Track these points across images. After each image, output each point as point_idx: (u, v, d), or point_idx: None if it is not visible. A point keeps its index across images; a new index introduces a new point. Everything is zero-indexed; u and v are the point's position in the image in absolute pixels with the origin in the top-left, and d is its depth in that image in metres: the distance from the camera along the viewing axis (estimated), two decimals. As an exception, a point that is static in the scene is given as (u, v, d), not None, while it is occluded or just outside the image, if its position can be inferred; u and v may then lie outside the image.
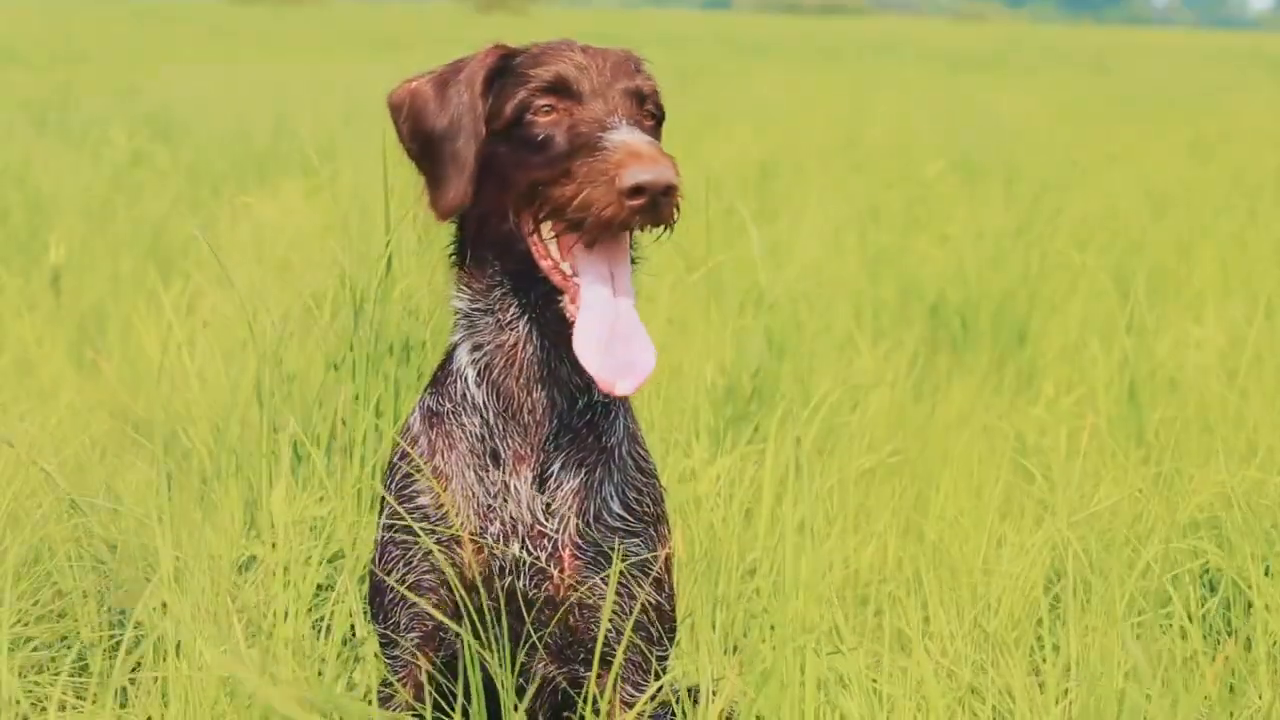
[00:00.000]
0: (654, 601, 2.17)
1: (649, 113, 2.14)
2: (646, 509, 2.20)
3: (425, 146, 2.17)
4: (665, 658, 2.22)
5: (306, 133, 10.57)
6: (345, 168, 8.13)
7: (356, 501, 2.90)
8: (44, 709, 2.60)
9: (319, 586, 2.75)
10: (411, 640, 2.17)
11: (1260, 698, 2.61)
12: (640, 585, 2.15)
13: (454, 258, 2.21)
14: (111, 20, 33.79)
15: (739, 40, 35.08)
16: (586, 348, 2.01)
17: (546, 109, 2.09)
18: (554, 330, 2.11)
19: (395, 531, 2.17)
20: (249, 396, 3.03)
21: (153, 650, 2.46)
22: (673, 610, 2.23)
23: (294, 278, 3.34)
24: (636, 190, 1.94)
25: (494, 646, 2.13)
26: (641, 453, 2.23)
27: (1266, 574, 2.90)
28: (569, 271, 2.06)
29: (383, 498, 2.21)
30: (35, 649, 2.68)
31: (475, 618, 2.12)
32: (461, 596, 2.12)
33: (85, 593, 2.76)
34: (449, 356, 2.21)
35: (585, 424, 2.17)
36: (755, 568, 3.14)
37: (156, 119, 11.16)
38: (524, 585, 2.13)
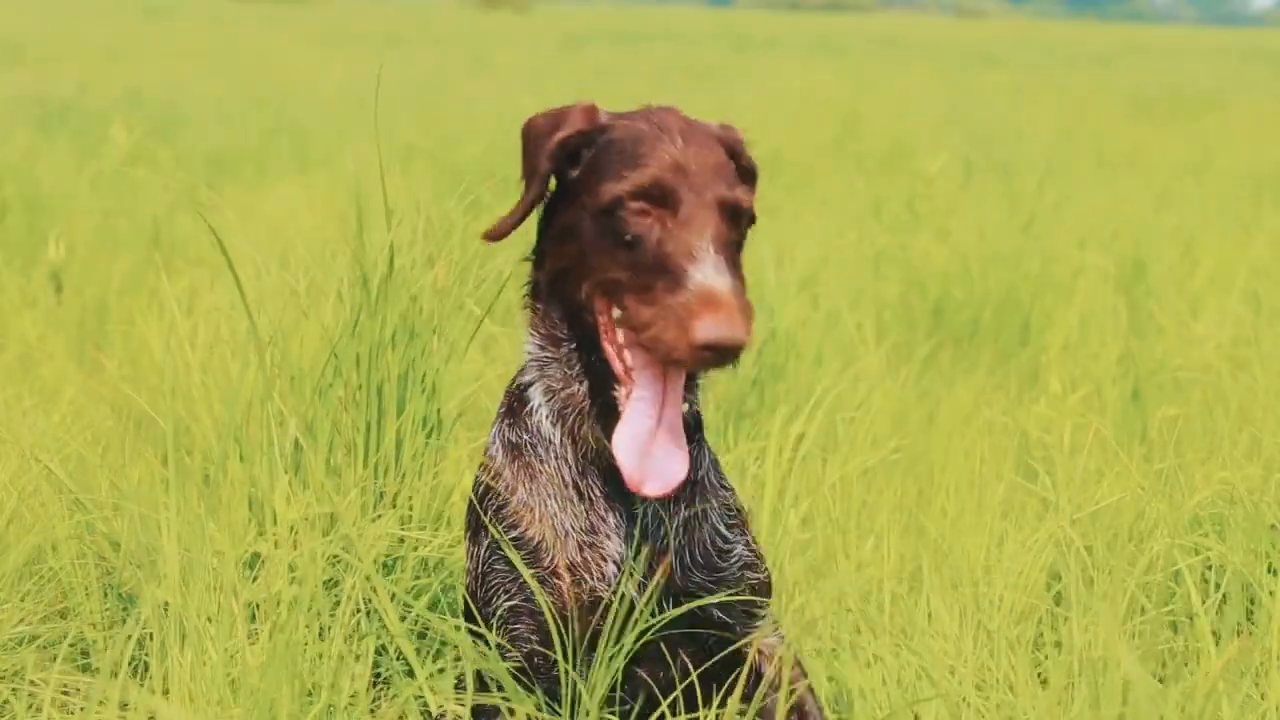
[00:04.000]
0: (762, 593, 2.29)
1: (739, 229, 2.14)
2: (741, 520, 2.31)
3: (523, 176, 2.23)
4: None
5: (307, 130, 10.57)
6: (346, 164, 8.13)
7: (360, 499, 2.90)
8: (39, 709, 2.60)
9: (324, 584, 2.74)
10: (514, 662, 2.23)
11: (1263, 698, 2.61)
12: (759, 601, 2.28)
13: (528, 296, 2.26)
14: (112, 16, 33.78)
15: (741, 36, 35.06)
16: (625, 448, 2.06)
17: (640, 211, 2.10)
18: (610, 393, 2.16)
19: (495, 559, 2.23)
20: (251, 391, 3.03)
21: (159, 648, 2.46)
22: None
23: (295, 272, 3.33)
24: (707, 347, 1.97)
25: (579, 664, 2.20)
26: (721, 473, 2.32)
27: (1270, 571, 2.90)
28: (629, 363, 2.11)
29: (472, 526, 2.27)
30: (39, 647, 2.68)
31: (568, 641, 2.20)
32: (557, 623, 2.19)
33: (88, 590, 2.76)
34: (522, 393, 2.25)
35: None
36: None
37: (157, 115, 11.15)
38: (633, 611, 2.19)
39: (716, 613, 2.24)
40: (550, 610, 2.18)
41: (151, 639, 2.51)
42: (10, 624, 2.68)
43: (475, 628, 2.28)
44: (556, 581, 2.19)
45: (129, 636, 2.24)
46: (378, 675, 2.71)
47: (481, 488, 2.28)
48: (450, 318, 3.04)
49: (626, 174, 2.11)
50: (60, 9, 37.78)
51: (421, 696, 2.45)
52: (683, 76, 18.01)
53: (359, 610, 2.60)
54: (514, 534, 2.22)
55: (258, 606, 2.62)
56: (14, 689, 2.54)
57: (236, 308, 3.20)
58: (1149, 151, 11.42)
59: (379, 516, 2.87)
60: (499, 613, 2.23)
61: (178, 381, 3.41)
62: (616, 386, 2.11)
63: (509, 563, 2.21)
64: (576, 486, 2.21)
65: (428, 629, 2.81)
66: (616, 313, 2.11)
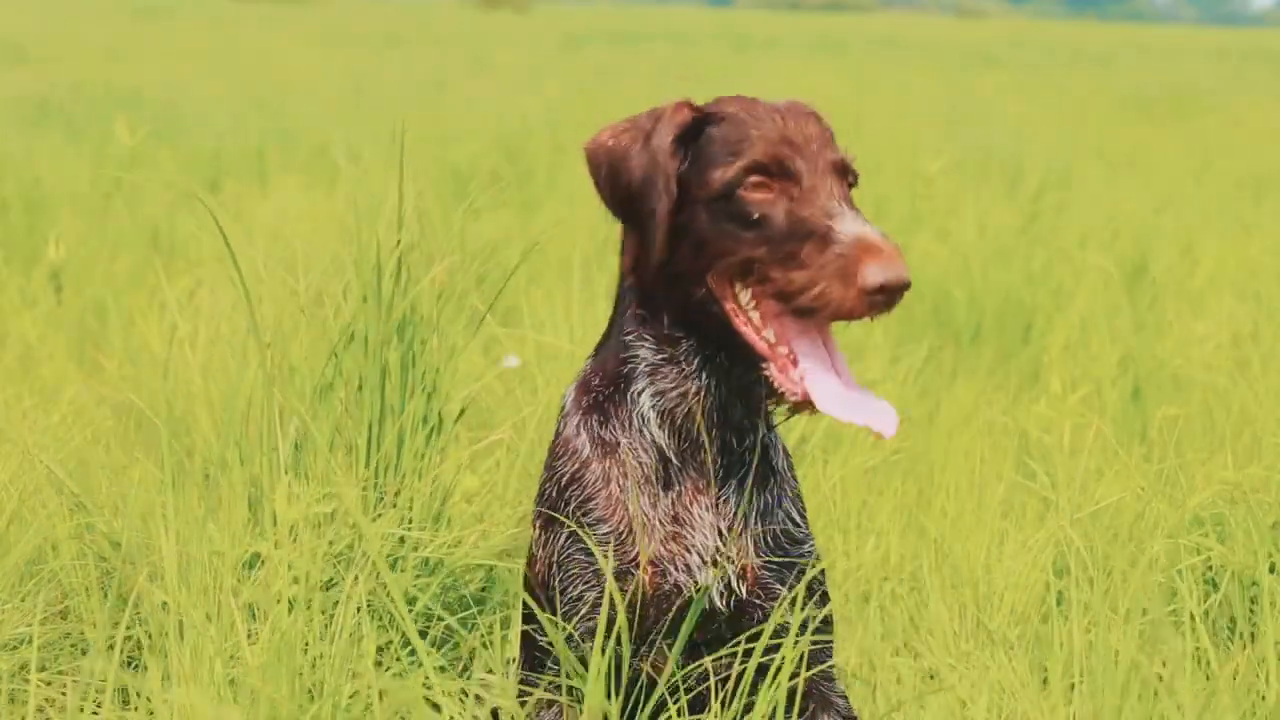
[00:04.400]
0: (826, 604, 2.31)
1: (851, 183, 2.18)
2: (805, 519, 2.32)
3: (624, 201, 2.21)
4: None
5: (307, 130, 10.57)
6: (346, 163, 8.13)
7: (361, 498, 2.90)
8: (39, 709, 2.60)
9: (324, 584, 2.74)
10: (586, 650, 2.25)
11: (1264, 699, 2.60)
12: (819, 587, 2.28)
13: (629, 304, 2.27)
14: (112, 16, 33.79)
15: (741, 37, 35.05)
16: (845, 411, 2.08)
17: (760, 186, 2.12)
18: (735, 381, 2.21)
19: (575, 550, 2.25)
20: (252, 391, 3.03)
21: (156, 647, 2.46)
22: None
23: (295, 271, 3.33)
24: (880, 289, 1.99)
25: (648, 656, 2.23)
26: (792, 464, 2.35)
27: (1271, 571, 2.90)
28: (773, 340, 2.13)
29: (546, 515, 2.29)
30: (39, 648, 2.68)
31: (636, 628, 2.22)
32: (625, 616, 2.21)
33: (88, 590, 2.76)
34: (625, 395, 2.27)
35: (752, 454, 2.26)
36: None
37: (157, 115, 11.15)
38: (714, 604, 2.23)
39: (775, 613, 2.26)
40: (620, 601, 2.20)
41: (151, 638, 2.51)
42: (10, 624, 2.68)
43: (532, 618, 2.30)
44: (638, 574, 2.22)
45: (126, 629, 2.24)
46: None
47: (565, 478, 2.29)
48: (451, 318, 3.04)
49: (737, 155, 2.13)
50: (61, 9, 37.79)
51: (431, 687, 2.45)
52: (683, 76, 18.01)
53: (360, 608, 2.59)
54: (600, 529, 2.24)
55: (258, 606, 2.62)
56: (14, 689, 2.55)
57: (237, 308, 3.20)
58: (1149, 151, 11.42)
59: (379, 516, 2.87)
60: (578, 602, 2.25)
61: (178, 382, 3.42)
62: (764, 364, 2.14)
63: (589, 554, 2.24)
64: (667, 481, 2.24)
65: (429, 626, 2.81)
66: (744, 295, 2.13)
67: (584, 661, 2.26)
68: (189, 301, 4.81)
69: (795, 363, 2.12)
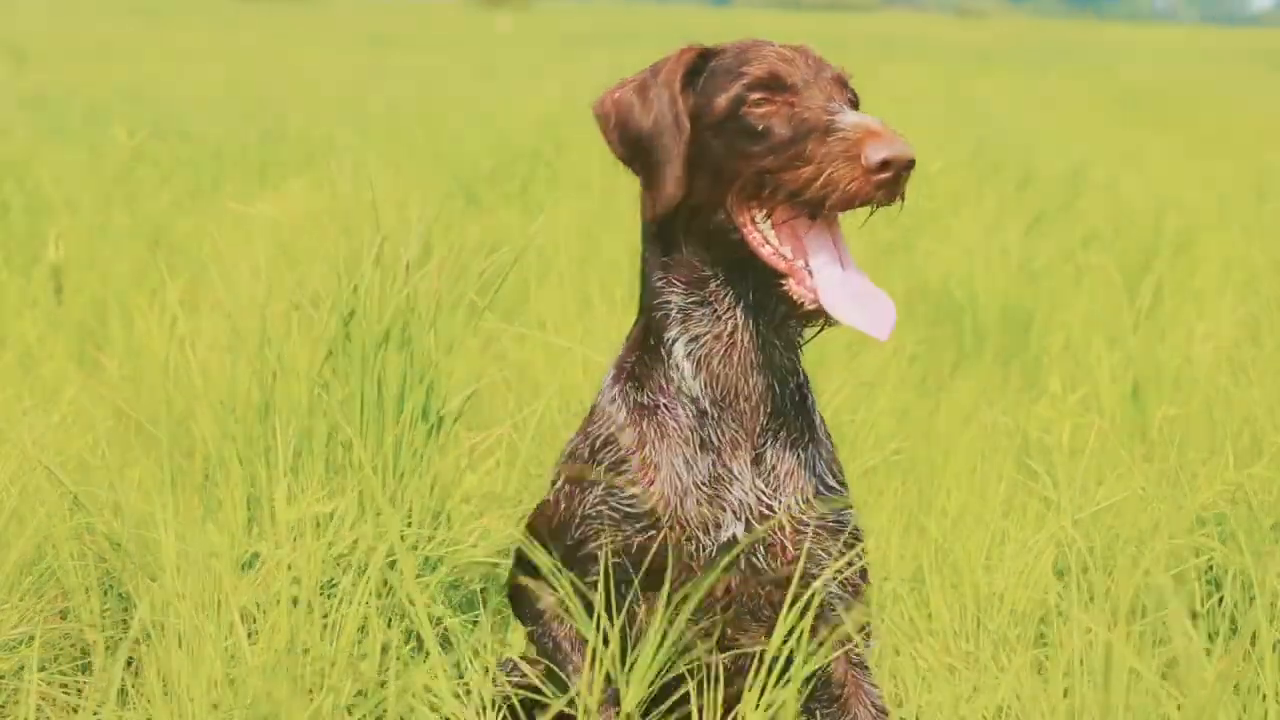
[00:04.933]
0: (864, 566, 2.31)
1: (851, 98, 2.25)
2: (844, 478, 2.34)
3: (635, 149, 2.27)
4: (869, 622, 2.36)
5: (307, 129, 10.57)
6: (346, 164, 8.12)
7: (358, 500, 2.89)
8: (39, 709, 2.60)
9: (324, 585, 2.74)
10: (597, 586, 2.26)
11: (1264, 699, 2.60)
12: (858, 551, 2.29)
13: (657, 255, 2.29)
14: (113, 16, 33.78)
15: (742, 36, 35.01)
16: (846, 311, 2.13)
17: (762, 101, 2.18)
18: (769, 315, 2.23)
19: (605, 508, 2.26)
20: (250, 392, 3.03)
21: (154, 647, 2.45)
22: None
23: (295, 272, 3.34)
24: (884, 165, 2.05)
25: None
26: (828, 432, 2.36)
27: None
28: (790, 256, 2.16)
29: (573, 475, 2.30)
30: (39, 648, 2.67)
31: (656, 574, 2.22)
32: (641, 575, 2.23)
33: (88, 590, 2.76)
34: (656, 350, 2.28)
35: (794, 405, 2.28)
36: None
37: (157, 115, 11.15)
38: (754, 562, 2.23)
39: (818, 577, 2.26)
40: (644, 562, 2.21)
41: (150, 639, 2.51)
42: (10, 624, 2.68)
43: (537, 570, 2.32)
44: (668, 532, 2.23)
45: (134, 639, 2.23)
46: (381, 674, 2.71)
47: (599, 440, 2.30)
48: (447, 315, 3.04)
49: (738, 78, 2.20)
50: (62, 8, 37.78)
51: (447, 673, 2.45)
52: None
53: (363, 608, 2.59)
54: (631, 490, 2.25)
55: (258, 606, 2.61)
56: (14, 689, 2.54)
57: (237, 307, 3.20)
58: (1149, 151, 11.42)
59: (379, 515, 2.86)
60: (597, 552, 2.26)
61: (178, 381, 3.41)
62: (783, 280, 2.17)
63: (617, 513, 2.25)
64: (703, 439, 2.24)
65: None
66: (759, 215, 2.17)
67: (589, 608, 2.26)
68: (189, 301, 4.81)
69: (812, 274, 2.16)
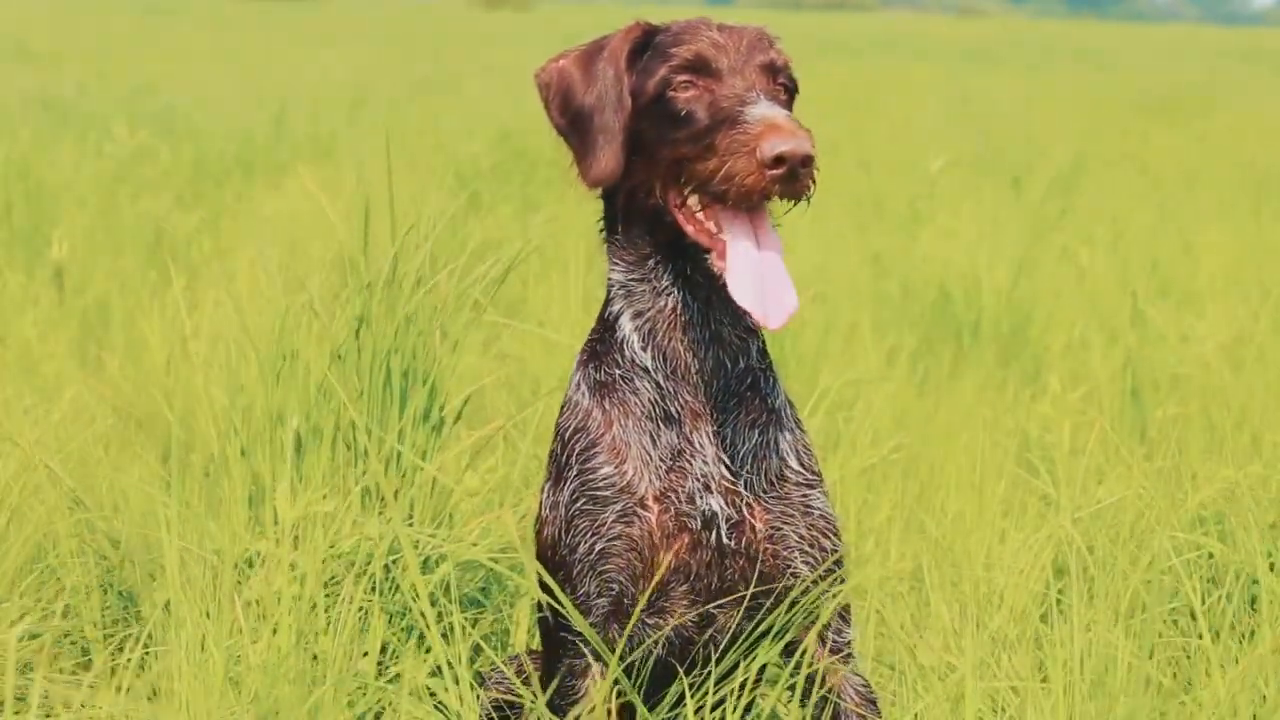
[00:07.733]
0: (839, 552, 2.30)
1: (783, 86, 2.24)
2: (816, 467, 2.32)
3: (574, 121, 2.27)
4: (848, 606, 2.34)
5: (307, 129, 10.57)
6: (348, 161, 8.13)
7: (361, 498, 2.90)
8: (39, 708, 2.60)
9: (325, 583, 2.74)
10: (602, 608, 2.24)
11: (1264, 700, 2.61)
12: (829, 536, 2.28)
13: (604, 232, 2.31)
14: (114, 15, 33.78)
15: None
16: (741, 289, 2.12)
17: (686, 85, 2.18)
18: (706, 292, 2.23)
19: (582, 502, 2.25)
20: (253, 390, 3.03)
21: (156, 645, 2.46)
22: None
23: (298, 269, 3.34)
24: (777, 160, 2.04)
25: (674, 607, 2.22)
26: (798, 418, 2.35)
27: (1272, 570, 2.90)
28: (714, 230, 2.17)
29: (554, 474, 2.30)
30: (41, 646, 2.68)
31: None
32: (648, 558, 2.22)
33: (88, 590, 2.76)
34: (610, 327, 2.30)
35: (748, 387, 2.28)
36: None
37: (160, 113, 11.15)
38: (720, 538, 2.23)
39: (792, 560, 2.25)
40: (642, 540, 2.20)
41: (151, 638, 2.51)
42: (10, 623, 2.68)
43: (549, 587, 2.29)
44: (645, 513, 2.23)
45: (137, 640, 2.24)
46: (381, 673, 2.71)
47: (568, 431, 2.30)
48: (452, 316, 3.04)
49: (667, 60, 2.20)
50: (64, 8, 37.77)
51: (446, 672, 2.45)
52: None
53: (364, 607, 2.59)
54: (605, 471, 2.25)
55: (259, 605, 2.62)
56: (18, 686, 2.54)
57: (238, 306, 3.20)
58: (1149, 150, 11.42)
59: (381, 514, 2.87)
60: (588, 556, 2.25)
61: (179, 380, 3.42)
62: (707, 255, 2.17)
63: (596, 503, 2.24)
64: (666, 411, 2.25)
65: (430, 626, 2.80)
66: (693, 200, 2.17)
67: (609, 616, 2.24)
68: (192, 299, 4.81)
69: (722, 251, 2.16)
